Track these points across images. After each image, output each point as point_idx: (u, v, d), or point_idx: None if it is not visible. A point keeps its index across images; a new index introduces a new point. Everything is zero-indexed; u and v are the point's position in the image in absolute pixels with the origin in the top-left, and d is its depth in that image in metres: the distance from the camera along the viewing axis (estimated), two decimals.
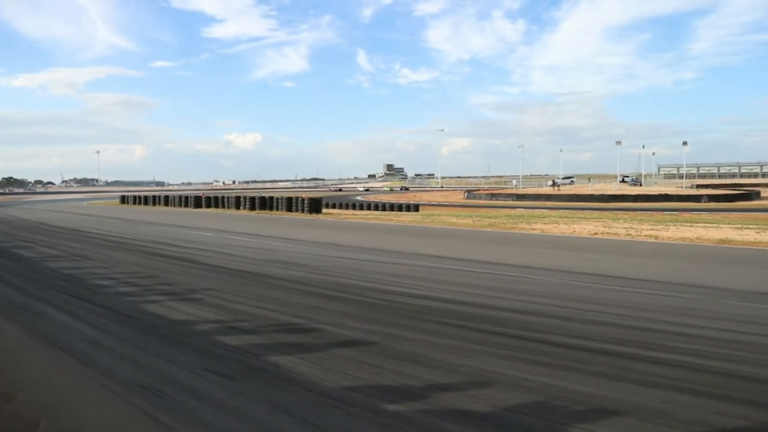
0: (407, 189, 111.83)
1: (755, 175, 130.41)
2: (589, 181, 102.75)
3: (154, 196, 46.44)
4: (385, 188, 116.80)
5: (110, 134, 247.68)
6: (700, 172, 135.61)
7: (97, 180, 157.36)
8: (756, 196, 53.48)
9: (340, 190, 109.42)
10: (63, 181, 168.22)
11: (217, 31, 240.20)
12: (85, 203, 52.11)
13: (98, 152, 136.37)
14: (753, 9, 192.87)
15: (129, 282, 9.59)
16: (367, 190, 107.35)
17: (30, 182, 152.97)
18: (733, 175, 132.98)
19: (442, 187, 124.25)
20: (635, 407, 4.06)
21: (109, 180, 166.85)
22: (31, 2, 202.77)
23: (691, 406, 4.06)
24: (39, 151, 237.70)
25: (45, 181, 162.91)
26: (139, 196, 47.99)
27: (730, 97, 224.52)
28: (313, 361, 5.13)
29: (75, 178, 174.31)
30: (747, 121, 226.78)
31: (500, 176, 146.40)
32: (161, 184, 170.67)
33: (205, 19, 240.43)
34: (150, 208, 42.09)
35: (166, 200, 43.89)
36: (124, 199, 49.30)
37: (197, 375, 4.88)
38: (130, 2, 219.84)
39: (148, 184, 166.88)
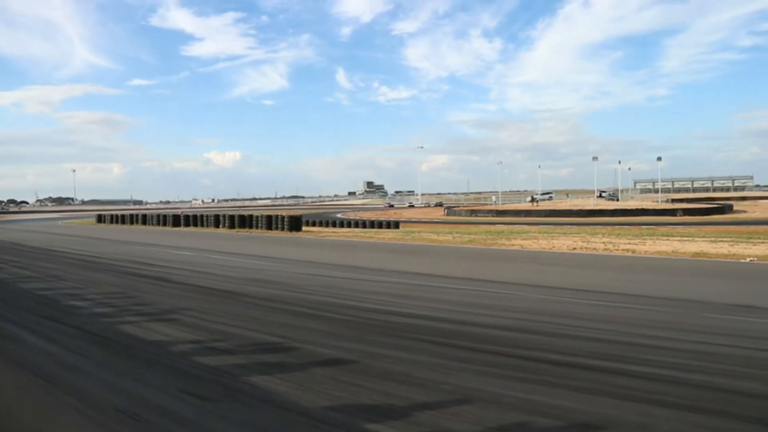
0: (441, 204, 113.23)
1: (727, 189, 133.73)
2: (568, 196, 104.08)
3: (131, 215, 45.87)
4: (429, 203, 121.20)
5: (87, 153, 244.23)
6: (675, 186, 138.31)
7: (73, 199, 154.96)
8: (729, 209, 54.70)
9: (391, 206, 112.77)
10: (38, 200, 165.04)
11: (196, 50, 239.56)
12: (60, 222, 51.19)
13: (74, 171, 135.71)
14: (718, 29, 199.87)
15: (105, 303, 9.41)
16: (411, 205, 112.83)
17: (3, 201, 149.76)
18: (707, 189, 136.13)
19: (423, 204, 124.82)
20: (615, 421, 4.07)
21: (86, 199, 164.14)
22: (6, 20, 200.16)
23: (670, 420, 4.09)
24: (13, 170, 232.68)
25: (19, 200, 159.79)
26: (117, 215, 47.35)
27: (701, 113, 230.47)
28: (293, 380, 5.06)
29: (50, 197, 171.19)
30: (718, 137, 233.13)
31: (480, 192, 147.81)
32: (139, 202, 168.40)
33: (184, 38, 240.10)
34: (127, 227, 41.51)
35: (144, 219, 43.33)
36: (100, 218, 48.59)
37: (174, 397, 4.78)
38: (108, 21, 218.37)
39: (125, 202, 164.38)
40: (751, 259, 14.33)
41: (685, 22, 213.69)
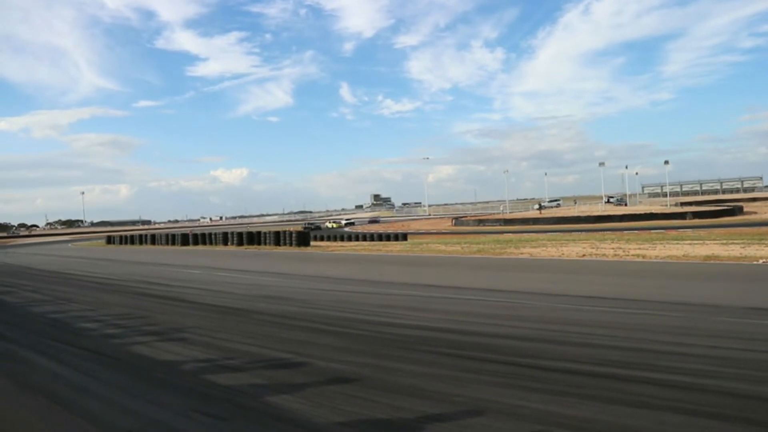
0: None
1: (736, 191, 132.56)
2: (575, 203, 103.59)
3: (140, 236, 46.07)
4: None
5: (95, 174, 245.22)
6: (684, 189, 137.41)
7: (82, 221, 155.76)
8: (739, 211, 54.16)
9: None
10: (47, 224, 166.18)
11: (201, 70, 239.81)
12: (70, 245, 51.54)
13: (83, 193, 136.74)
14: (719, 32, 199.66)
15: (115, 324, 9.43)
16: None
17: (14, 226, 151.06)
18: (716, 192, 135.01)
19: (429, 215, 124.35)
20: (631, 430, 4.02)
21: (95, 220, 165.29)
22: (15, 48, 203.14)
23: (687, 426, 4.04)
24: (22, 195, 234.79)
25: (29, 224, 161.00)
26: (126, 236, 47.58)
27: (706, 116, 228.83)
28: (305, 397, 5.04)
29: (60, 220, 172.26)
30: (724, 139, 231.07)
31: (487, 202, 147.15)
32: (147, 222, 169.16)
33: (189, 59, 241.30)
34: (137, 247, 41.71)
35: (153, 239, 43.52)
36: (110, 240, 48.86)
37: (186, 417, 4.77)
38: (115, 45, 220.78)
39: (134, 223, 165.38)
40: (764, 260, 14.16)
41: (686, 26, 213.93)
